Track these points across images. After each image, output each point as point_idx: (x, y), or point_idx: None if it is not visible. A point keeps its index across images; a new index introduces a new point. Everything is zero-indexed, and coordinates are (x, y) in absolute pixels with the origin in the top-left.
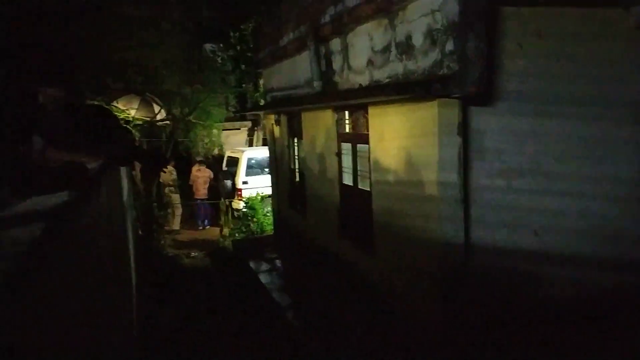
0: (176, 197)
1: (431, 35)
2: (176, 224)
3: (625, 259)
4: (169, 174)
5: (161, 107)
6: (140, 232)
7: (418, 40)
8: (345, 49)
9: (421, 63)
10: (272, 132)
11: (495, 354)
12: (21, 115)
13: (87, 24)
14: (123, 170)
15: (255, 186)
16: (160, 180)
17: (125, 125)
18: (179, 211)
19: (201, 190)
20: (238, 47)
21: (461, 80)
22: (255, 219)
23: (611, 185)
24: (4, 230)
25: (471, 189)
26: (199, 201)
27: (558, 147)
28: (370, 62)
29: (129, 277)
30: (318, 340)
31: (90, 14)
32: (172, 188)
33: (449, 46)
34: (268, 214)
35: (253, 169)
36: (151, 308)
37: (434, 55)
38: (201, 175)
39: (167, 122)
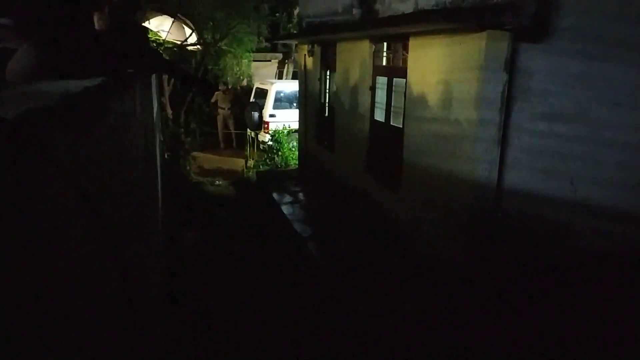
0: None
1: None
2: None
3: None
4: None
5: (192, 31)
6: (166, 156)
7: None
8: None
9: None
10: (304, 64)
11: (517, 299)
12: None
13: None
14: (154, 84)
15: (283, 120)
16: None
17: (156, 47)
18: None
19: None
20: None
21: (516, 11)
22: (280, 153)
23: None
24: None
25: (510, 131)
26: None
27: (607, 94)
28: None
29: (156, 196)
30: (336, 270)
31: None
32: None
33: None
34: (293, 149)
35: (281, 102)
36: (175, 230)
37: None
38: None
39: (198, 47)
